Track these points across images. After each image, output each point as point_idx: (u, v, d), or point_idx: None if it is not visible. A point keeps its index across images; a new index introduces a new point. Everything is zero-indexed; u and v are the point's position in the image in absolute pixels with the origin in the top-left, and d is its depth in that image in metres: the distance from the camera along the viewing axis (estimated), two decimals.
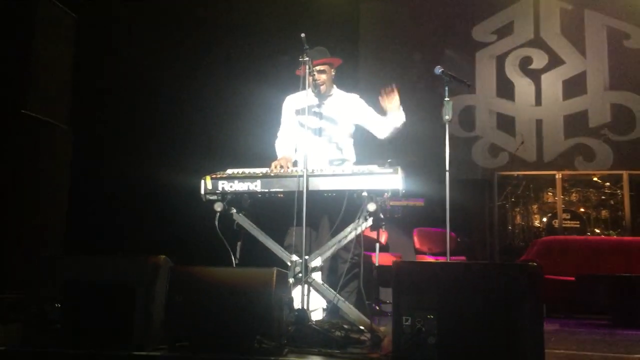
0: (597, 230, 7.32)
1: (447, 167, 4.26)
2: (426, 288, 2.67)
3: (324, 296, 3.55)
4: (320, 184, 3.49)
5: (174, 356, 2.75)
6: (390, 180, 3.42)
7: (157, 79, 6.59)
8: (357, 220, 3.47)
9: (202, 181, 3.60)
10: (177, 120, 6.71)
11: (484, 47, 8.37)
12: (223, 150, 6.41)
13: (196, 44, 6.94)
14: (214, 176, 3.61)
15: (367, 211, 3.42)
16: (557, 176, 7.37)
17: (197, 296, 2.82)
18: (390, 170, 3.45)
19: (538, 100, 8.24)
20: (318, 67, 4.02)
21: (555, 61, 8.26)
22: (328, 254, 3.57)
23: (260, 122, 5.50)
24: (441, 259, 6.32)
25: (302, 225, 3.40)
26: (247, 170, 3.65)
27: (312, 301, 3.51)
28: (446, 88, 4.29)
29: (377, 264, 5.70)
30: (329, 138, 4.10)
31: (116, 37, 6.44)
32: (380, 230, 3.73)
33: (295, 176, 3.50)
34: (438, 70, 4.27)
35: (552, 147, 8.04)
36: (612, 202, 7.41)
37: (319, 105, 4.13)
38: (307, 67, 3.62)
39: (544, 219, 7.47)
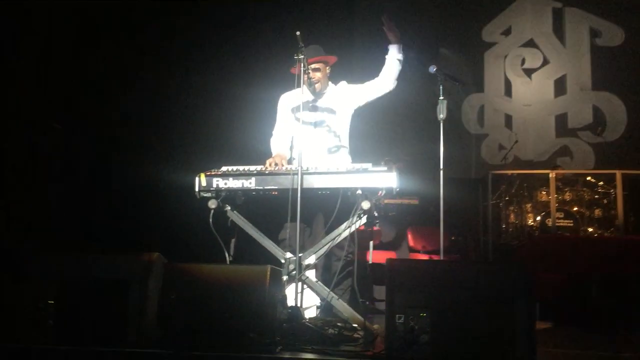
0: (591, 229, 7.34)
1: (442, 166, 4.27)
2: (419, 286, 2.69)
3: (317, 294, 3.55)
4: (315, 182, 3.49)
5: (167, 353, 2.74)
6: (384, 178, 3.43)
7: (151, 76, 6.57)
8: (351, 218, 3.48)
9: (197, 178, 3.60)
10: (172, 118, 6.69)
11: (490, 46, 8.41)
12: (218, 148, 6.40)
13: (191, 41, 6.93)
14: (208, 173, 3.61)
15: (362, 209, 3.43)
16: (550, 175, 7.38)
17: (191, 293, 2.83)
18: (385, 168, 3.46)
19: (531, 99, 8.27)
20: (313, 65, 4.03)
21: (546, 61, 8.30)
22: (322, 251, 3.58)
23: (255, 119, 5.50)
24: (435, 257, 6.33)
25: (297, 223, 3.40)
26: (241, 168, 3.65)
27: (306, 299, 3.52)
28: (440, 87, 4.29)
29: (370, 262, 5.72)
30: (328, 128, 4.12)
31: (113, 35, 6.41)
32: (374, 228, 3.73)
33: (289, 174, 3.50)
34: (432, 69, 4.28)
35: (544, 146, 8.09)
36: (605, 201, 7.43)
37: (314, 101, 4.15)
38: (302, 65, 3.62)
39: (538, 218, 7.48)
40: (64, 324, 2.89)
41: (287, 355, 2.71)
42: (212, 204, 3.56)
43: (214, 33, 7.06)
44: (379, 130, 7.66)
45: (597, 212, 7.44)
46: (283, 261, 3.52)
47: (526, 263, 5.48)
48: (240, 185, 3.56)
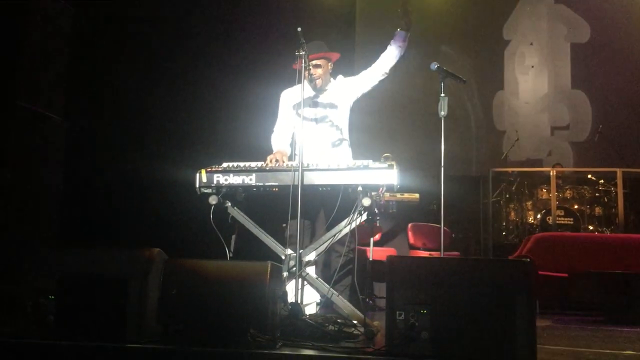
0: (591, 227, 7.35)
1: (442, 163, 4.26)
2: (420, 283, 2.68)
3: (317, 290, 3.55)
4: (315, 179, 3.49)
5: (167, 349, 2.74)
6: (385, 175, 3.42)
7: (152, 72, 6.57)
8: (351, 215, 3.47)
9: (197, 174, 3.60)
10: (173, 114, 6.69)
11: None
12: (218, 144, 6.40)
13: (192, 38, 6.92)
14: (209, 169, 3.61)
15: (362, 206, 3.42)
16: (551, 173, 7.40)
17: (191, 289, 2.82)
18: (386, 165, 3.46)
19: (532, 97, 8.28)
20: (314, 62, 4.02)
21: (544, 59, 8.31)
22: (322, 248, 3.58)
23: (256, 115, 5.49)
24: (435, 254, 6.34)
25: (297, 219, 3.40)
26: (242, 164, 3.65)
27: (306, 295, 3.52)
28: (442, 84, 4.28)
29: (371, 259, 5.73)
30: (331, 123, 4.13)
31: (112, 30, 6.41)
32: (375, 226, 3.74)
33: (290, 170, 3.50)
34: (434, 66, 4.27)
35: (543, 145, 8.10)
36: (605, 199, 7.44)
37: (316, 97, 4.15)
38: (302, 61, 3.62)
39: (538, 216, 7.49)
40: (65, 319, 2.89)
41: (287, 352, 2.70)
42: (213, 200, 3.55)
43: (216, 29, 7.05)
44: (381, 127, 7.67)
45: (598, 210, 7.45)
46: (283, 257, 3.52)
47: (526, 260, 5.49)
48: (240, 182, 3.56)
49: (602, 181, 7.45)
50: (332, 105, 4.14)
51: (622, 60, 8.09)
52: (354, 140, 4.27)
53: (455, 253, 6.77)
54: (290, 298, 3.24)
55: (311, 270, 3.60)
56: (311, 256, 3.56)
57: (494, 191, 7.62)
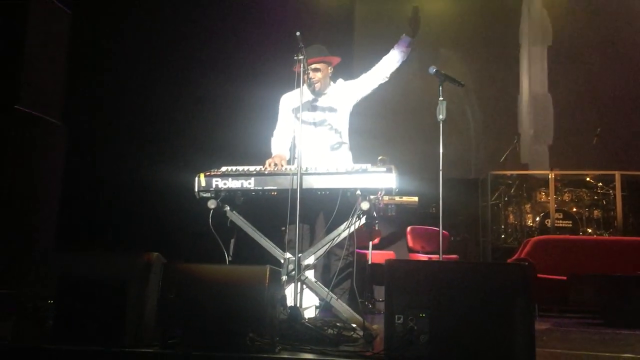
0: (590, 230, 7.35)
1: (441, 166, 4.27)
2: (419, 287, 2.69)
3: (316, 294, 3.55)
4: (314, 182, 3.49)
5: (166, 353, 2.74)
6: (384, 178, 3.43)
7: (151, 76, 6.57)
8: (350, 219, 3.48)
9: (196, 178, 3.60)
10: (172, 118, 6.69)
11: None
12: (217, 148, 6.40)
13: (191, 41, 6.92)
14: (207, 174, 3.61)
15: (361, 209, 3.43)
16: (550, 176, 7.40)
17: (190, 293, 2.82)
18: (384, 169, 3.46)
19: (530, 99, 8.30)
20: (313, 66, 4.03)
21: (543, 61, 8.34)
22: (321, 252, 3.58)
23: (255, 119, 5.50)
24: (434, 258, 6.34)
25: (296, 223, 3.40)
26: (240, 168, 3.65)
27: (305, 299, 3.52)
28: (440, 88, 4.29)
29: (370, 262, 5.73)
30: (330, 127, 4.13)
31: (111, 33, 6.41)
32: (374, 229, 3.74)
33: (288, 174, 3.50)
34: (432, 69, 4.28)
35: (541, 147, 8.12)
36: (604, 202, 7.45)
37: (315, 100, 4.15)
38: (301, 65, 3.63)
39: (537, 219, 7.50)
40: (63, 323, 2.89)
41: (286, 356, 2.70)
42: (212, 204, 3.56)
43: (215, 33, 7.06)
44: (380, 130, 7.67)
45: (596, 213, 7.46)
46: (282, 261, 3.53)
47: (525, 264, 5.49)
48: (239, 186, 3.56)
49: (600, 184, 7.46)
50: (332, 109, 4.15)
51: (622, 63, 8.10)
52: (353, 144, 4.27)
53: (454, 256, 6.77)
54: (289, 302, 3.24)
55: (310, 274, 3.60)
56: (310, 260, 3.57)
57: (492, 194, 7.63)
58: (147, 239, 5.09)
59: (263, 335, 2.75)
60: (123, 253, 3.06)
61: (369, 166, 3.52)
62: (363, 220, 3.52)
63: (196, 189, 3.60)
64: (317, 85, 4.12)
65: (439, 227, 4.22)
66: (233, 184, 3.56)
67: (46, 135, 4.97)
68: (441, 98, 4.28)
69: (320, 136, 4.11)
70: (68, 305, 2.90)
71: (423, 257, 6.69)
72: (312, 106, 4.14)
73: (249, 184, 3.55)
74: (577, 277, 5.29)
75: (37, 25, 4.86)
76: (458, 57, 8.35)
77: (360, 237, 5.14)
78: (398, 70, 4.22)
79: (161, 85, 6.66)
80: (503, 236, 7.66)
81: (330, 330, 3.19)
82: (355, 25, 8.42)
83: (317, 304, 3.76)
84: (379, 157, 5.20)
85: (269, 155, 4.05)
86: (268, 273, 2.81)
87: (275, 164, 3.71)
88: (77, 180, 5.70)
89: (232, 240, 3.68)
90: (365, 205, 3.41)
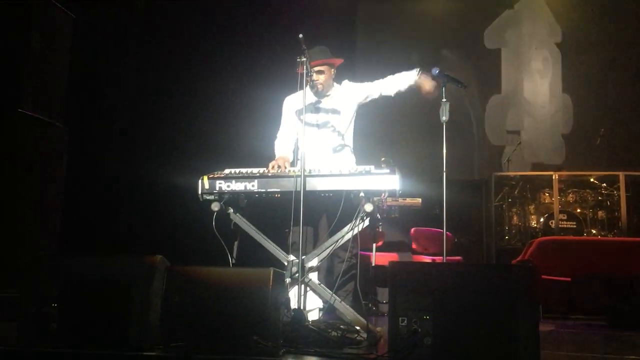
0: (594, 231, 7.33)
1: (445, 168, 4.26)
2: (422, 289, 2.68)
3: (320, 296, 3.55)
4: (317, 184, 3.49)
5: (170, 356, 2.74)
6: (387, 180, 3.42)
7: (154, 78, 6.58)
8: (354, 221, 3.47)
9: (200, 181, 3.60)
10: (175, 120, 6.70)
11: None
12: (221, 150, 6.41)
13: (194, 44, 6.93)
14: (211, 176, 3.61)
15: (364, 211, 3.42)
16: (553, 177, 7.38)
17: (194, 296, 2.82)
18: (387, 170, 3.46)
19: (536, 100, 8.29)
20: (316, 68, 4.03)
21: (547, 61, 8.32)
22: (325, 254, 3.57)
23: (258, 121, 5.50)
24: (438, 259, 6.33)
25: (299, 226, 3.40)
26: (244, 170, 3.65)
27: (309, 301, 3.52)
28: (443, 89, 4.28)
29: (374, 264, 5.72)
30: (332, 128, 4.13)
31: (113, 36, 6.42)
32: (377, 231, 3.72)
33: (292, 176, 3.50)
34: (435, 71, 4.26)
35: (545, 148, 8.11)
36: (608, 203, 7.42)
37: (318, 102, 4.15)
38: (304, 67, 3.62)
39: (541, 220, 7.48)
40: (67, 326, 2.89)
41: (290, 358, 2.71)
42: (215, 207, 3.56)
43: (218, 34, 7.07)
44: (383, 132, 7.66)
45: (601, 214, 7.43)
46: (286, 264, 3.52)
47: (529, 265, 5.48)
48: (243, 188, 3.56)
49: (604, 185, 7.44)
50: (335, 111, 4.15)
51: (623, 62, 8.08)
52: (356, 146, 4.27)
53: (458, 258, 6.76)
54: (293, 304, 3.24)
55: (314, 277, 3.60)
56: (314, 262, 3.56)
57: (496, 195, 7.61)
58: (150, 241, 5.11)
59: (267, 338, 2.75)
60: (127, 256, 3.06)
61: (372, 168, 3.52)
62: (366, 222, 3.51)
63: (200, 192, 3.60)
64: (320, 87, 4.12)
65: (443, 229, 4.21)
66: (236, 186, 3.56)
67: (49, 137, 4.98)
68: (444, 99, 4.27)
69: (323, 138, 4.11)
70: (72, 308, 2.90)
71: (427, 258, 6.67)
72: (315, 108, 4.14)
73: (253, 186, 3.55)
74: (582, 278, 5.27)
75: (40, 28, 4.87)
76: (459, 57, 8.33)
77: (364, 239, 5.14)
78: (400, 69, 4.23)
79: (164, 88, 6.67)
80: (507, 237, 7.65)
81: (334, 333, 3.19)
82: (357, 25, 8.41)
83: (321, 307, 3.75)
84: (382, 159, 5.19)
85: (272, 157, 4.05)
86: (272, 275, 2.81)
87: (279, 166, 3.71)
88: (80, 182, 5.71)
89: (236, 243, 3.68)
90: (368, 207, 3.40)
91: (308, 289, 3.48)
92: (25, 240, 4.65)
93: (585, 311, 5.72)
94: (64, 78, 5.19)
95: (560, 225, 7.25)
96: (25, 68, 4.74)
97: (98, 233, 5.91)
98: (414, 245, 6.95)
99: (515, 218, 7.73)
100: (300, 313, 3.15)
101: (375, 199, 3.48)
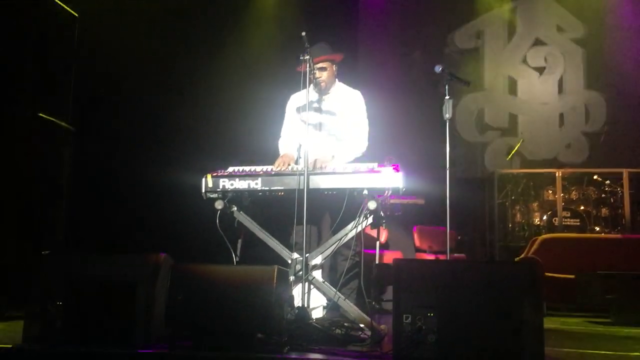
0: (597, 228, 7.32)
1: (448, 165, 4.26)
2: (426, 286, 2.69)
3: (324, 294, 3.56)
4: (321, 182, 3.50)
5: (175, 354, 2.76)
6: (390, 178, 3.43)
7: (158, 77, 6.58)
8: (357, 219, 3.48)
9: (203, 179, 3.61)
10: (179, 118, 6.70)
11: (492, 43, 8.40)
12: (224, 148, 6.41)
13: (197, 42, 6.93)
14: (214, 174, 3.62)
15: (368, 209, 3.43)
16: (557, 174, 7.38)
17: (198, 294, 2.83)
18: (391, 168, 3.46)
19: (538, 97, 8.27)
20: (319, 65, 4.03)
21: (550, 59, 8.30)
22: (328, 252, 3.58)
23: (262, 120, 5.51)
24: (441, 257, 6.33)
25: (303, 223, 3.41)
26: (247, 169, 3.66)
27: (313, 299, 3.52)
28: (446, 86, 4.28)
29: (377, 262, 5.72)
30: (328, 131, 4.11)
31: (117, 35, 6.42)
32: (381, 229, 3.72)
33: (295, 174, 3.51)
34: (438, 68, 4.26)
35: (549, 145, 8.10)
36: (612, 200, 7.41)
37: (319, 101, 4.15)
38: (307, 65, 3.62)
39: (544, 217, 7.47)
40: (72, 324, 2.90)
41: (294, 356, 2.71)
42: (219, 205, 3.56)
43: (222, 32, 7.06)
44: (386, 130, 7.65)
45: (604, 211, 7.42)
46: (290, 261, 3.53)
47: (533, 262, 5.48)
48: (246, 186, 3.57)
49: (608, 182, 7.42)
50: (331, 114, 4.12)
51: (626, 58, 8.05)
52: None
53: (462, 255, 6.75)
54: (297, 302, 3.25)
55: (317, 274, 3.60)
56: (317, 260, 3.57)
57: (499, 192, 7.60)
58: (155, 240, 5.10)
59: (271, 336, 2.76)
60: (131, 254, 3.07)
61: (375, 166, 3.52)
62: (370, 220, 3.52)
63: (203, 190, 3.61)
64: (324, 85, 4.11)
65: (446, 226, 4.21)
66: (240, 184, 3.57)
67: (55, 137, 4.99)
68: (447, 97, 4.27)
69: (321, 141, 4.08)
70: (77, 307, 2.92)
71: (430, 256, 6.67)
72: (315, 107, 4.12)
73: (256, 184, 3.55)
74: (585, 275, 5.27)
75: (45, 28, 4.88)
76: (461, 57, 8.31)
77: (368, 237, 5.14)
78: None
79: (169, 86, 6.67)
80: (510, 235, 7.64)
81: (338, 330, 3.19)
82: (359, 20, 8.38)
83: (325, 304, 3.76)
84: (387, 157, 5.19)
85: (276, 155, 4.06)
86: (276, 273, 2.82)
87: (285, 163, 3.72)
88: (85, 181, 5.73)
89: (240, 241, 3.68)
90: (372, 205, 3.41)
91: (312, 286, 3.48)
92: (31, 239, 4.66)
93: (588, 308, 5.72)
94: (70, 78, 5.21)
95: (563, 223, 7.25)
96: (31, 68, 4.75)
97: (103, 231, 5.92)
98: (417, 243, 6.95)
99: (518, 215, 7.72)
100: (304, 311, 3.16)
101: (378, 196, 3.48)
